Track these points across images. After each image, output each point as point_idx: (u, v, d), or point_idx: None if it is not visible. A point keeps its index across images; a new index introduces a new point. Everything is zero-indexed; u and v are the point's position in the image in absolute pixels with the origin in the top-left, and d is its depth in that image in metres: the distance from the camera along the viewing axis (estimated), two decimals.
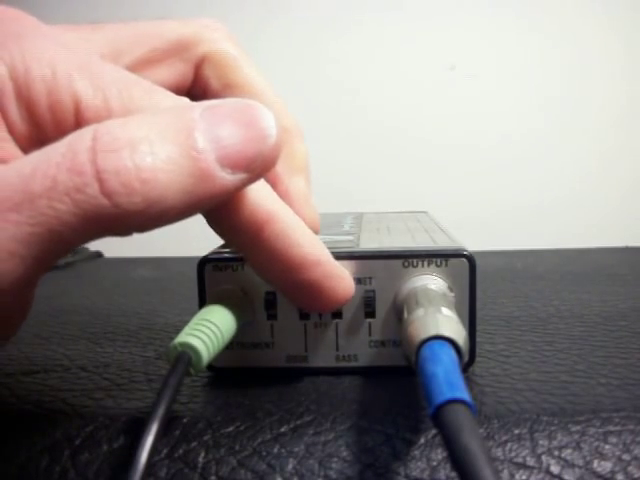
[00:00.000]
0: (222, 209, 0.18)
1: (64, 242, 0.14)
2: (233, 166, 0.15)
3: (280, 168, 0.23)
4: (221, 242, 0.24)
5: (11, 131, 0.16)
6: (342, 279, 0.19)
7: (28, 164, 0.14)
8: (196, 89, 0.24)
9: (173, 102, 0.17)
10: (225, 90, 0.24)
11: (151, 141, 0.15)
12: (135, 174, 0.14)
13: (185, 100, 0.18)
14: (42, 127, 0.16)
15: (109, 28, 0.22)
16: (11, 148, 0.16)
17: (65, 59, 0.17)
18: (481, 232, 0.58)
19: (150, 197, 0.14)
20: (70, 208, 0.14)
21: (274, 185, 0.22)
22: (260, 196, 0.18)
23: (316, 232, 0.22)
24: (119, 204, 0.14)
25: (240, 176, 0.16)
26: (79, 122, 0.16)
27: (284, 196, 0.22)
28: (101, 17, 0.23)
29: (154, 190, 0.14)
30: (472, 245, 0.22)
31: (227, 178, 0.15)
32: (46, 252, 0.15)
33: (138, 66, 0.23)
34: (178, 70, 0.24)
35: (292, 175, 0.23)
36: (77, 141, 0.15)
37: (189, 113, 0.15)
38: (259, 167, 0.16)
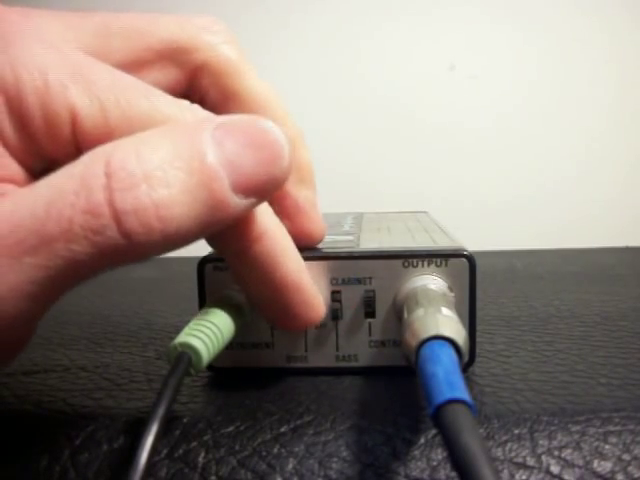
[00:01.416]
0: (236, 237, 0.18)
1: (79, 278, 0.14)
2: (246, 191, 0.15)
3: (288, 180, 0.23)
4: None
5: (5, 144, 0.16)
6: (316, 306, 0.20)
7: (40, 202, 0.14)
8: (192, 98, 0.23)
9: (175, 107, 0.17)
10: (225, 101, 0.22)
11: (165, 171, 0.14)
12: (154, 212, 0.14)
13: (186, 104, 0.18)
14: (38, 140, 0.16)
15: (100, 18, 0.21)
16: (9, 163, 0.16)
17: (56, 64, 0.16)
18: (481, 232, 0.58)
19: (168, 232, 0.14)
20: (87, 249, 0.14)
21: (282, 198, 0.22)
22: (257, 211, 0.18)
23: (319, 242, 0.22)
24: (138, 242, 0.14)
25: (252, 200, 0.16)
26: (76, 134, 0.16)
27: (294, 209, 0.21)
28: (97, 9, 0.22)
29: (171, 225, 0.14)
30: (472, 245, 0.22)
31: (240, 203, 0.15)
32: (60, 290, 0.15)
33: (129, 65, 0.21)
34: (172, 75, 0.22)
35: (301, 187, 0.22)
36: (90, 177, 0.14)
37: (200, 135, 0.15)
38: (271, 190, 0.16)
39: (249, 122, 0.16)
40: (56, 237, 0.14)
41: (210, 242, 0.19)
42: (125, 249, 0.14)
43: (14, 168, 0.16)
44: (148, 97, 0.17)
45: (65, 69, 0.16)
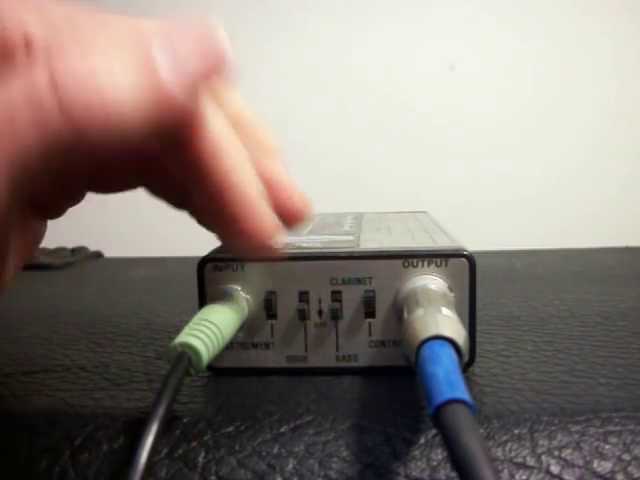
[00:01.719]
0: (186, 138, 0.18)
1: (30, 166, 0.15)
2: (189, 78, 0.16)
3: (257, 156, 0.23)
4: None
5: None
6: (264, 217, 0.20)
7: None
8: None
9: (126, 24, 0.18)
10: None
11: (109, 61, 0.15)
12: (94, 91, 0.14)
13: (137, 21, 0.18)
14: None
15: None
16: None
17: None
18: (481, 232, 0.58)
19: (108, 114, 0.15)
20: (29, 130, 0.14)
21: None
22: (221, 130, 0.19)
23: (307, 215, 0.22)
24: (77, 121, 0.14)
25: (196, 90, 0.16)
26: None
27: (268, 183, 0.21)
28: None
29: (112, 107, 0.15)
30: (472, 245, 0.22)
31: (184, 93, 0.16)
32: (13, 181, 0.15)
33: None
34: None
35: (268, 160, 0.23)
36: (32, 70, 0.15)
37: (144, 31, 0.16)
38: (213, 68, 0.16)
39: (190, 22, 0.17)
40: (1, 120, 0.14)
41: (178, 169, 0.19)
42: (69, 132, 0.14)
43: None
44: (102, 20, 0.17)
45: (16, 2, 0.17)
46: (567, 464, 0.17)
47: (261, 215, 0.19)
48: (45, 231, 0.24)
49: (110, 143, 0.15)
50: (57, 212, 0.24)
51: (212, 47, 0.16)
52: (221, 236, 0.20)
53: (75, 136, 0.14)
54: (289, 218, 0.21)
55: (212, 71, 0.16)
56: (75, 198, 0.24)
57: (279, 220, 0.20)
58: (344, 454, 0.17)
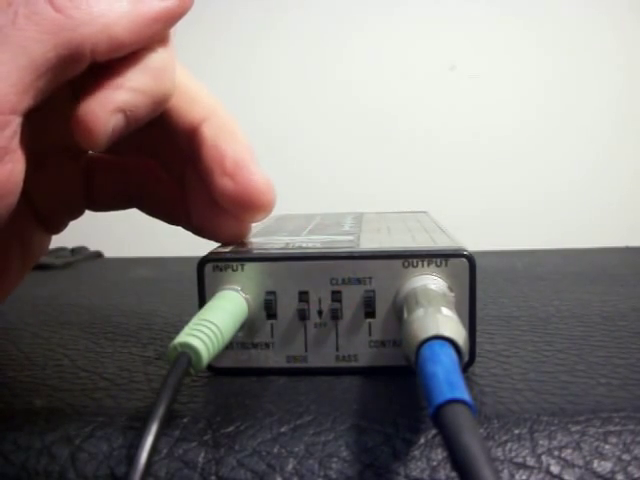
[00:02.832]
0: (166, 110, 0.21)
1: (39, 69, 0.17)
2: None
3: (217, 140, 0.23)
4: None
5: None
6: (265, 189, 0.21)
7: None
8: None
9: None
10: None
11: None
12: None
13: None
14: None
15: None
16: None
17: None
18: (481, 232, 0.58)
19: (93, 12, 0.17)
20: (31, 31, 0.16)
21: (217, 157, 0.22)
22: (200, 93, 0.21)
23: (269, 202, 0.22)
24: (70, 16, 0.17)
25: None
26: None
27: (231, 164, 0.22)
28: None
29: (98, 9, 0.17)
30: (472, 245, 0.22)
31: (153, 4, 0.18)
32: (26, 82, 0.16)
33: None
34: None
35: (230, 142, 0.22)
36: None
37: None
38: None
39: None
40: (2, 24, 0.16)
41: (165, 142, 0.22)
42: (65, 29, 0.17)
43: None
44: None
45: None
46: (567, 464, 0.17)
47: (250, 168, 0.21)
48: (48, 245, 0.25)
49: (105, 46, 0.17)
50: (58, 227, 0.25)
51: None
52: (216, 221, 0.22)
53: (70, 33, 0.17)
54: (249, 199, 0.22)
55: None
56: (75, 213, 0.25)
57: (233, 206, 0.22)
58: (344, 454, 0.17)
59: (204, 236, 0.24)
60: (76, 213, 0.25)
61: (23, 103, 0.17)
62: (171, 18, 0.19)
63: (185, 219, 0.24)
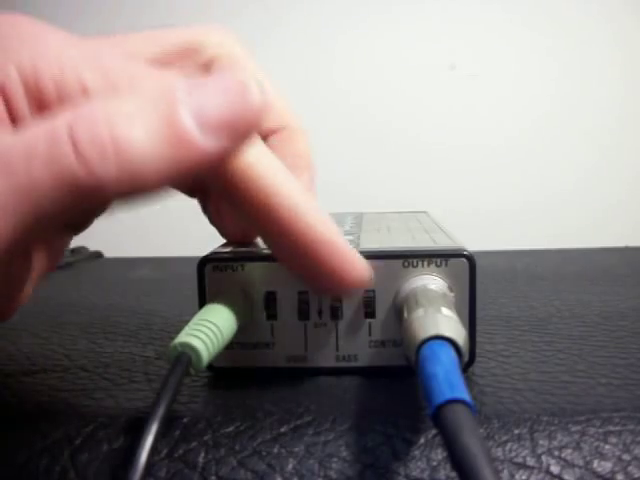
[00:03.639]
0: (229, 182, 0.18)
1: (44, 213, 0.14)
2: (214, 130, 0.15)
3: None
4: (221, 242, 0.24)
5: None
6: (356, 263, 0.19)
7: (12, 137, 0.15)
8: None
9: (156, 73, 0.18)
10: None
11: (129, 111, 0.15)
12: (110, 141, 0.14)
13: (168, 72, 0.19)
14: None
15: (117, 36, 0.23)
16: None
17: (71, 53, 0.17)
18: (481, 232, 0.58)
19: (125, 164, 0.14)
20: (46, 175, 0.14)
21: None
22: (269, 169, 0.18)
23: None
24: (93, 171, 0.14)
25: (222, 141, 0.15)
26: None
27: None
28: (103, 25, 0.23)
29: (130, 157, 0.14)
30: (472, 245, 0.22)
31: (208, 143, 0.15)
32: (27, 225, 0.14)
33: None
34: (189, 72, 0.24)
35: (296, 173, 0.23)
36: (56, 115, 0.15)
37: (170, 84, 0.16)
38: (243, 129, 0.16)
39: (220, 74, 0.17)
40: (17, 163, 0.14)
41: (236, 207, 0.19)
42: (84, 180, 0.14)
43: None
44: (161, 76, 0.18)
45: (80, 55, 0.17)
46: (567, 464, 0.17)
47: (345, 254, 0.19)
48: (69, 242, 0.24)
49: (128, 191, 0.15)
50: (85, 226, 0.24)
51: (241, 99, 0.16)
52: (304, 279, 0.20)
53: (91, 183, 0.14)
54: (339, 286, 0.19)
55: (241, 122, 0.16)
56: (103, 212, 0.24)
57: (322, 288, 0.20)
58: (344, 454, 0.17)
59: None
60: (105, 211, 0.24)
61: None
62: (215, 161, 0.16)
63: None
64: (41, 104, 0.16)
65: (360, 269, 0.19)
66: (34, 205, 0.14)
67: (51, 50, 0.17)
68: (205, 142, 0.15)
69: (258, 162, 0.18)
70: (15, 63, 0.16)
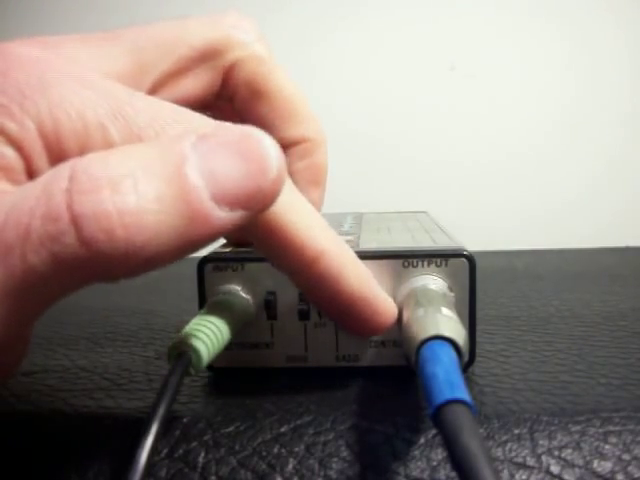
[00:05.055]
0: (272, 240, 0.17)
1: (44, 294, 0.13)
2: (229, 203, 0.14)
3: (298, 179, 0.22)
4: (221, 242, 0.24)
5: None
6: (385, 311, 0.19)
7: (2, 211, 0.13)
8: (223, 95, 0.23)
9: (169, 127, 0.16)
10: (254, 100, 0.22)
11: (135, 178, 0.13)
12: (117, 218, 0.13)
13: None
14: None
15: (127, 37, 0.21)
16: None
17: (95, 103, 0.15)
18: (481, 232, 0.58)
19: (135, 243, 0.13)
20: (45, 259, 0.12)
21: None
22: (313, 231, 0.17)
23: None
24: (100, 252, 0.13)
25: (238, 213, 0.14)
26: None
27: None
28: (109, 16, 0.22)
29: (139, 235, 0.13)
30: (472, 245, 0.22)
31: (223, 216, 0.14)
32: (24, 306, 0.13)
33: (166, 78, 0.22)
34: (206, 78, 0.23)
35: (309, 189, 0.23)
36: (53, 181, 0.13)
37: (179, 144, 0.14)
38: (259, 203, 0.15)
39: (234, 131, 0.15)
40: (11, 245, 0.12)
41: (270, 258, 0.19)
42: (87, 260, 0.13)
43: None
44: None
45: (103, 108, 0.15)
46: (567, 464, 0.17)
47: (379, 305, 0.19)
48: None
49: (132, 265, 0.13)
50: None
51: (258, 170, 0.14)
52: (338, 324, 0.20)
53: (89, 256, 0.13)
54: (366, 331, 0.20)
55: (259, 196, 0.14)
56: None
57: (349, 329, 0.20)
58: (344, 454, 0.17)
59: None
60: None
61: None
62: (231, 229, 0.14)
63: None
64: (61, 158, 0.15)
65: (391, 316, 0.19)
66: (32, 289, 0.13)
67: (68, 96, 0.15)
68: (219, 214, 0.14)
69: (288, 212, 0.17)
70: (32, 116, 0.14)
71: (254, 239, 0.18)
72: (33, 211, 0.13)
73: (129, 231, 0.13)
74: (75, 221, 0.12)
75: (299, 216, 0.17)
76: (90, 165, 0.13)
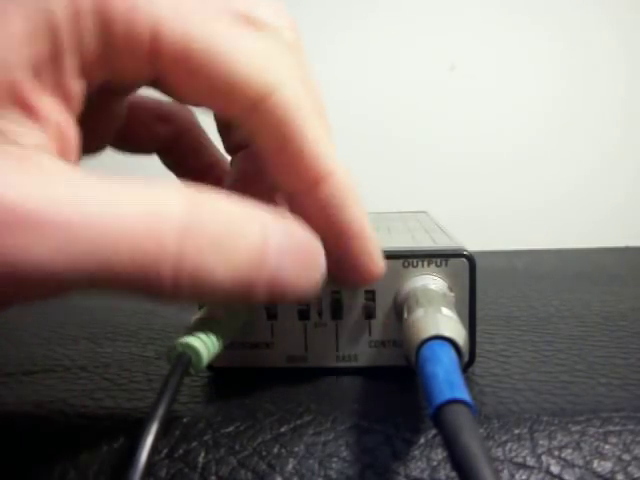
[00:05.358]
0: (282, 155, 0.17)
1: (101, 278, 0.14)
2: (278, 289, 0.16)
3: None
4: None
5: (84, 59, 0.16)
6: (377, 258, 0.19)
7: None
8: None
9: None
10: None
11: (221, 247, 0.15)
12: (190, 273, 0.14)
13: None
14: (118, 54, 0.16)
15: None
16: (73, 84, 0.16)
17: None
18: (481, 232, 0.58)
19: (190, 288, 0.14)
20: (125, 257, 0.13)
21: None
22: (323, 150, 0.18)
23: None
24: (167, 283, 0.14)
25: (278, 290, 0.16)
26: (154, 50, 0.16)
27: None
28: None
29: (198, 285, 0.14)
30: (472, 245, 0.22)
31: (262, 293, 0.16)
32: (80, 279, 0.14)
33: None
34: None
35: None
36: (167, 216, 0.14)
37: (269, 237, 0.16)
38: (302, 286, 0.16)
39: (309, 239, 0.17)
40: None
41: (274, 177, 0.19)
42: (155, 282, 0.14)
43: (72, 88, 0.16)
44: (228, 26, 0.17)
45: None
46: (567, 464, 0.17)
47: (374, 258, 0.19)
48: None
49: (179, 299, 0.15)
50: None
51: (311, 273, 0.17)
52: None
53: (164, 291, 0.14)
54: (350, 277, 0.20)
55: (300, 292, 0.16)
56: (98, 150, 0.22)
57: (336, 276, 0.20)
58: (344, 454, 0.17)
59: None
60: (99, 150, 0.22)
61: None
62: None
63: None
64: (108, 37, 0.15)
65: (381, 265, 0.20)
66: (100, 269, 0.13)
67: None
68: (262, 291, 0.16)
69: (305, 128, 0.18)
70: None
71: (260, 153, 0.18)
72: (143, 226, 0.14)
73: (193, 280, 0.14)
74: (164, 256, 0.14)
75: (312, 132, 0.18)
76: (200, 223, 0.14)
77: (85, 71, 0.16)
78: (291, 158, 0.18)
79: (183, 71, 0.17)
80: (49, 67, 0.15)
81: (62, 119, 0.16)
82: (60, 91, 0.16)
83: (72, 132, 0.16)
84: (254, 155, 0.20)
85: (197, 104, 0.19)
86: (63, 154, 0.16)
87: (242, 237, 0.15)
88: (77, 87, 0.16)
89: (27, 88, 0.15)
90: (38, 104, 0.15)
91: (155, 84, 0.18)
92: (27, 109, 0.15)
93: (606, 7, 0.66)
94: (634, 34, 0.67)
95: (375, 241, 0.19)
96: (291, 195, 0.19)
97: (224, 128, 0.23)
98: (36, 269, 0.13)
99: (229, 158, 0.24)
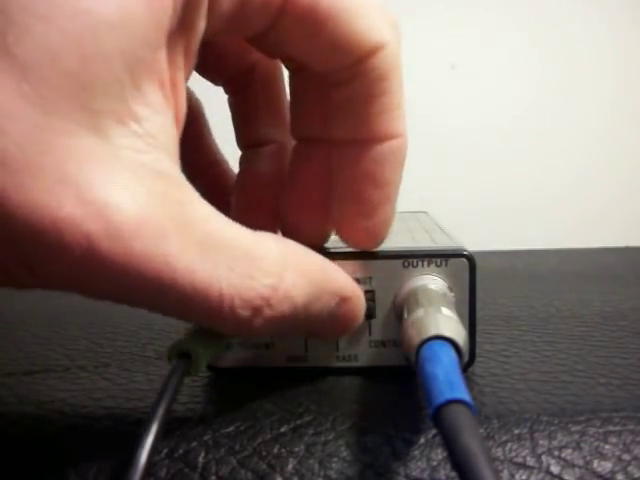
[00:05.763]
0: (373, 106, 0.18)
1: None
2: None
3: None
4: None
5: (216, 13, 0.15)
6: (388, 219, 0.20)
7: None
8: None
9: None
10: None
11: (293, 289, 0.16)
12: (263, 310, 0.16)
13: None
14: (251, 6, 0.16)
15: None
16: (194, 46, 0.16)
17: None
18: (481, 232, 0.58)
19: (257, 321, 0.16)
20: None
21: None
22: (403, 113, 0.19)
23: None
24: (236, 317, 0.15)
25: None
26: (285, 2, 0.16)
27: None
28: None
29: (265, 322, 0.16)
30: (472, 245, 0.22)
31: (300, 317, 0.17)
32: None
33: None
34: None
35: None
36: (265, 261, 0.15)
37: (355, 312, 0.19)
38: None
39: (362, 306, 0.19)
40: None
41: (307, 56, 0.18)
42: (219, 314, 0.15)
43: (194, 50, 0.16)
44: None
45: None
46: (567, 464, 0.17)
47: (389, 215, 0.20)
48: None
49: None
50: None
51: (324, 299, 0.18)
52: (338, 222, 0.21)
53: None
54: (352, 240, 0.21)
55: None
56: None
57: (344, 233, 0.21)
58: (344, 454, 0.17)
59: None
60: None
61: None
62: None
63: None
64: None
65: (382, 237, 0.21)
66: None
67: None
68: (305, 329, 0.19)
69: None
70: None
71: (300, 31, 0.17)
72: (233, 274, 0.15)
73: (261, 317, 0.16)
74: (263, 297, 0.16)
75: (402, 91, 0.19)
76: (283, 285, 0.16)
77: (209, 32, 0.16)
78: (380, 109, 0.19)
79: (308, 25, 0.17)
80: (181, 34, 0.15)
81: (184, 87, 0.16)
82: (188, 56, 0.16)
83: (185, 98, 0.16)
84: (271, 154, 0.22)
85: (305, 58, 0.19)
86: (178, 125, 0.16)
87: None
88: (196, 48, 0.16)
89: (163, 64, 0.15)
90: (174, 78, 0.15)
91: (259, 37, 0.18)
92: (162, 84, 0.15)
93: (606, 7, 0.66)
94: (627, 31, 0.67)
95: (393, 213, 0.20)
96: (353, 143, 0.19)
97: (244, 120, 0.23)
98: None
99: (228, 158, 0.24)
